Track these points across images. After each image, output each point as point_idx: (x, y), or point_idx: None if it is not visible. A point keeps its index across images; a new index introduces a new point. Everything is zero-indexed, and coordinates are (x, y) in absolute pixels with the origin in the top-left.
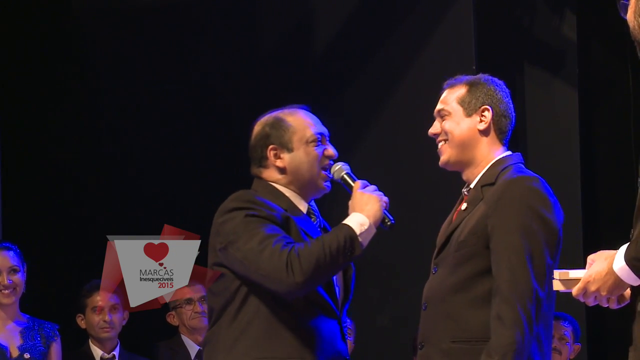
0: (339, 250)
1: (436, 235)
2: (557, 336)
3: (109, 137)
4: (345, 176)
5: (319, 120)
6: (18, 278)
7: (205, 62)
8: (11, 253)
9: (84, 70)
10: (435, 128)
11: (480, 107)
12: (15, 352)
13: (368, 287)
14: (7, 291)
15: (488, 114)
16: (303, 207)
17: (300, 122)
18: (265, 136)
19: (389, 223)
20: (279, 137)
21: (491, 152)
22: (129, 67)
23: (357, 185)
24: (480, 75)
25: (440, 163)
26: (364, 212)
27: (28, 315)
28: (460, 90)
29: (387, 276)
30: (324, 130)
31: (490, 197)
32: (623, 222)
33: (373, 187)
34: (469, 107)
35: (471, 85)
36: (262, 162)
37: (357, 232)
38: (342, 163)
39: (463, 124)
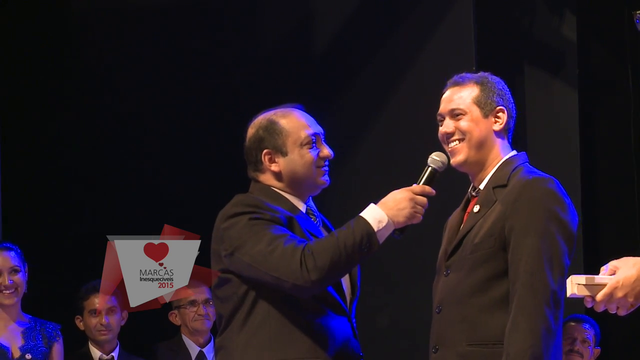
0: (354, 247)
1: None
2: (580, 339)
3: (109, 137)
4: (429, 171)
5: (314, 120)
6: (19, 278)
7: (205, 62)
8: (12, 253)
9: (84, 70)
10: (448, 127)
11: (495, 108)
12: (16, 353)
13: (367, 288)
14: (8, 292)
15: (503, 116)
16: (302, 208)
17: (294, 124)
18: (259, 140)
19: (398, 234)
20: (273, 141)
21: (500, 153)
22: (129, 67)
23: (417, 187)
24: (483, 74)
25: (454, 162)
26: (391, 210)
27: (30, 316)
28: (473, 90)
29: (386, 277)
30: (319, 130)
31: (506, 198)
32: (623, 222)
33: (424, 200)
34: (486, 108)
35: (482, 85)
36: (258, 166)
37: (375, 228)
38: (443, 160)
39: (481, 124)
